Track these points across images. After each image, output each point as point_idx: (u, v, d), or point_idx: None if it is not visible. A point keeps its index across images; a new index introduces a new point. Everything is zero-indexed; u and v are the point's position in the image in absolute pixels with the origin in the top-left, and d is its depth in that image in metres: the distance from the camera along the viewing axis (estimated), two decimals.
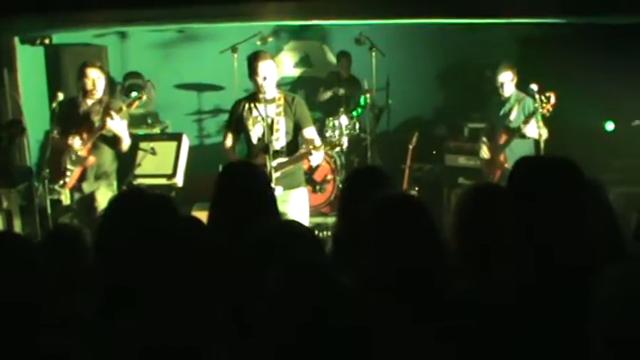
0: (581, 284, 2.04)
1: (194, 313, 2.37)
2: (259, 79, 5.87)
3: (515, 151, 6.87)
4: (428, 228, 2.49)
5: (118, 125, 6.53)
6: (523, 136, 6.96)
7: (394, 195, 2.82)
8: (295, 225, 2.81)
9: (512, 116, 7.14)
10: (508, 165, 6.93)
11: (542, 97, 6.67)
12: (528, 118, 6.82)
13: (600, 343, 1.81)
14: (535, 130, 6.78)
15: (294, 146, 6.14)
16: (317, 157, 5.93)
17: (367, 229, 2.51)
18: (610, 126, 9.17)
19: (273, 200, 3.62)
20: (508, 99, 7.25)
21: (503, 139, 7.21)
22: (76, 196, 6.86)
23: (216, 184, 3.62)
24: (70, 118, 6.74)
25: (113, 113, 6.48)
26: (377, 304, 2.30)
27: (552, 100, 6.68)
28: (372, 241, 2.48)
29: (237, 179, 3.60)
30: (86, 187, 6.79)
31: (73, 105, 6.80)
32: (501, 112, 7.29)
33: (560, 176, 2.52)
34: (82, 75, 6.69)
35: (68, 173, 6.74)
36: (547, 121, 6.83)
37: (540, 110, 6.70)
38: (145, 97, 7.20)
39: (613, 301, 1.81)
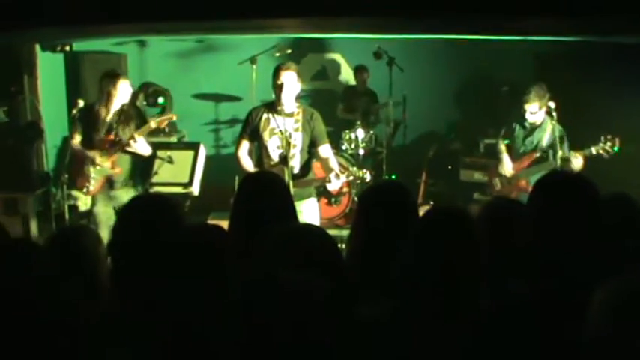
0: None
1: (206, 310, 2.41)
2: (278, 89, 5.88)
3: (532, 178, 6.82)
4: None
5: (141, 147, 6.75)
6: (551, 164, 6.77)
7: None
8: (315, 228, 2.84)
9: (545, 142, 6.99)
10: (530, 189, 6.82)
11: (607, 138, 6.56)
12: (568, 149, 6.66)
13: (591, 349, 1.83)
14: (580, 163, 6.59)
15: (309, 164, 6.11)
16: (335, 184, 5.82)
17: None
18: None
19: (294, 211, 3.64)
20: (539, 126, 7.02)
21: (526, 162, 7.10)
22: (101, 201, 6.85)
23: (238, 192, 3.63)
24: (91, 125, 6.79)
25: (136, 136, 6.62)
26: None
27: (617, 143, 6.56)
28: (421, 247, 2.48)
29: (259, 189, 3.60)
30: (112, 194, 6.83)
31: (93, 112, 6.82)
32: (529, 138, 7.08)
33: (579, 194, 2.56)
34: (110, 84, 6.71)
35: (92, 181, 6.78)
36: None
37: (600, 152, 6.56)
38: (175, 118, 7.34)
39: (605, 310, 1.82)
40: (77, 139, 6.85)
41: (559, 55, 9.33)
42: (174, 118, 7.41)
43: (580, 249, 2.47)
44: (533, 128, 7.06)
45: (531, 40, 8.54)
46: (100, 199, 6.85)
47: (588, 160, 6.62)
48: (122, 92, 6.76)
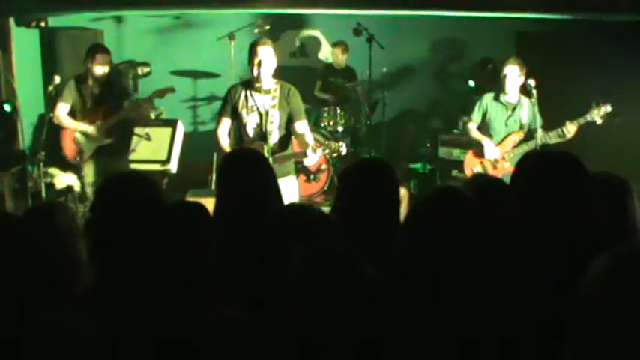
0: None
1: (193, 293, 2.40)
2: (256, 65, 5.84)
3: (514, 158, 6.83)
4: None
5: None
6: (537, 143, 6.75)
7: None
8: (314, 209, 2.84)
9: (525, 120, 6.98)
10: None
11: (598, 103, 6.57)
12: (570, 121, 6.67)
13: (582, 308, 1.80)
14: (574, 131, 6.63)
15: (287, 140, 6.08)
16: (312, 159, 5.82)
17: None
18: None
19: (277, 187, 3.62)
20: (516, 105, 7.01)
21: (511, 145, 7.06)
22: (91, 171, 7.19)
23: (220, 170, 3.61)
24: (81, 96, 7.09)
25: (144, 104, 7.35)
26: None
27: (609, 108, 6.57)
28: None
29: (242, 165, 3.57)
30: (101, 163, 7.16)
31: (82, 84, 7.09)
32: (512, 118, 7.04)
33: (564, 170, 2.55)
34: (93, 59, 6.98)
35: (85, 150, 7.13)
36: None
37: (594, 118, 6.57)
38: (175, 90, 7.69)
39: (599, 271, 1.79)
40: (64, 110, 7.05)
41: (541, 34, 9.33)
42: (175, 90, 7.41)
43: (567, 229, 2.45)
44: (513, 107, 7.03)
45: (513, 17, 8.52)
46: (90, 168, 7.17)
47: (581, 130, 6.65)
48: (105, 65, 7.01)
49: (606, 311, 1.70)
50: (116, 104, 7.12)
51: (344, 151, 5.86)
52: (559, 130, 6.67)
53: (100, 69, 7.00)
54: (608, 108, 6.58)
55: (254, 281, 2.51)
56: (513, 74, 6.90)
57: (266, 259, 2.52)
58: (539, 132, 6.67)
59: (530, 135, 6.93)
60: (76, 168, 8.09)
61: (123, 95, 7.21)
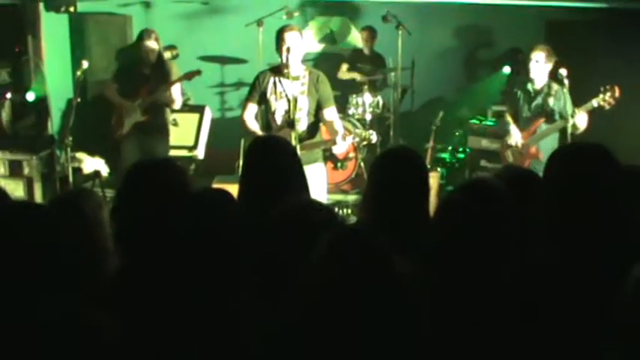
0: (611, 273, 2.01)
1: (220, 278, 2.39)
2: (284, 52, 5.81)
3: (544, 146, 6.78)
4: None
5: (176, 95, 7.29)
6: (558, 125, 6.73)
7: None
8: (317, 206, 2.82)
9: (551, 105, 6.89)
10: (541, 155, 6.76)
11: (606, 88, 6.48)
12: (574, 107, 6.56)
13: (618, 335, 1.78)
14: (585, 120, 6.53)
15: (316, 127, 6.05)
16: (341, 146, 5.78)
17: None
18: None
19: (303, 175, 3.59)
20: (542, 90, 6.93)
21: (533, 128, 6.95)
22: (128, 146, 7.25)
23: (246, 157, 3.59)
24: (130, 75, 7.32)
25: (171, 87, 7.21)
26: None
27: (617, 93, 6.46)
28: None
29: (269, 153, 3.55)
30: (140, 140, 7.22)
31: (132, 63, 7.43)
32: (535, 102, 6.95)
33: (596, 162, 2.51)
34: (143, 39, 7.19)
35: (125, 125, 7.21)
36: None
37: (601, 103, 6.48)
38: (201, 73, 7.58)
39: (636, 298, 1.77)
40: (114, 87, 7.34)
41: (571, 22, 9.21)
42: (201, 73, 7.50)
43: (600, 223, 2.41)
44: (537, 92, 6.96)
45: (543, 5, 8.43)
46: (130, 145, 7.22)
47: (594, 114, 6.55)
48: (152, 46, 7.16)
49: None
50: (160, 85, 7.20)
51: (374, 139, 5.82)
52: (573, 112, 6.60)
53: (150, 48, 7.16)
54: (616, 92, 6.47)
55: (272, 270, 2.49)
56: (540, 60, 6.83)
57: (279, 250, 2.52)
58: (570, 120, 6.58)
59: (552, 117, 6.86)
60: (105, 152, 8.16)
61: (167, 78, 7.24)
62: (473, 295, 2.25)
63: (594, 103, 6.52)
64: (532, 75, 6.91)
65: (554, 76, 6.81)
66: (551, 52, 6.85)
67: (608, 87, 6.50)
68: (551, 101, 6.85)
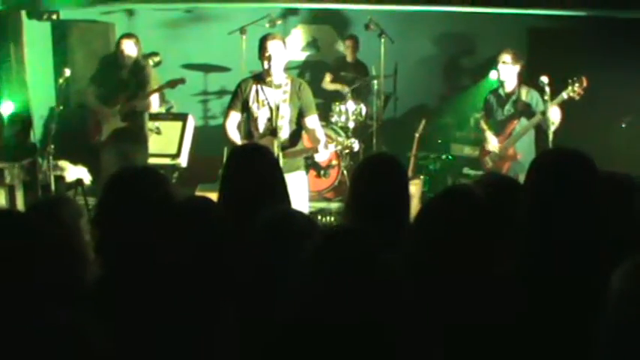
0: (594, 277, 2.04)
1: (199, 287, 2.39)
2: (266, 60, 5.82)
3: (521, 147, 6.85)
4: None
5: (154, 103, 7.43)
6: (532, 122, 6.79)
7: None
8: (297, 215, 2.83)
9: (520, 108, 6.97)
10: (520, 157, 6.83)
11: (573, 79, 6.54)
12: (546, 102, 6.60)
13: (608, 336, 1.80)
14: (558, 113, 6.58)
15: (298, 134, 6.05)
16: (323, 154, 5.80)
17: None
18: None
19: (283, 184, 3.60)
20: (513, 93, 7.01)
21: (508, 131, 7.01)
22: (107, 153, 7.29)
23: (225, 166, 3.58)
24: (108, 81, 7.32)
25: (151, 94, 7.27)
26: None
27: (584, 83, 6.51)
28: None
29: (248, 162, 3.55)
30: (119, 147, 7.25)
31: (110, 68, 7.37)
32: (506, 106, 7.04)
33: (574, 167, 2.54)
34: (121, 44, 7.24)
35: (104, 131, 7.26)
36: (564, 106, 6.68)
37: (571, 94, 6.54)
38: (185, 81, 7.72)
39: (625, 297, 1.79)
40: (91, 92, 7.36)
41: (553, 30, 9.27)
42: (185, 81, 7.57)
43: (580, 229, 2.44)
44: (508, 96, 7.06)
45: (523, 13, 8.48)
46: (109, 153, 7.27)
47: (566, 108, 6.61)
48: (128, 51, 7.20)
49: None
50: (138, 92, 7.24)
51: (356, 147, 5.82)
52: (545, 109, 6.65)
53: (127, 50, 7.19)
54: (584, 83, 6.53)
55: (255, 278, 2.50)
56: (507, 61, 6.96)
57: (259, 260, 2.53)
58: (538, 115, 6.67)
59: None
60: (87, 160, 8.12)
61: (145, 84, 7.27)
62: (448, 302, 2.26)
63: (564, 95, 6.59)
64: (501, 77, 7.03)
65: (522, 80, 6.95)
66: (518, 54, 7.00)
67: (575, 78, 6.56)
68: (520, 105, 6.94)
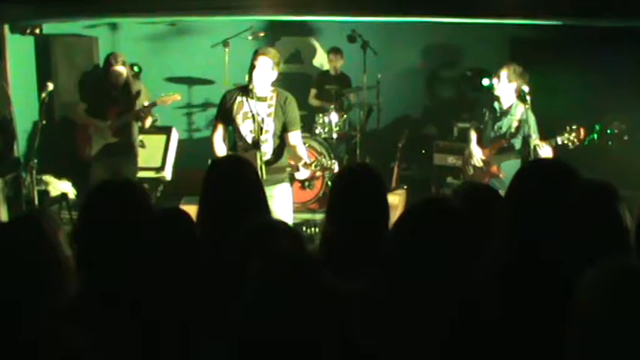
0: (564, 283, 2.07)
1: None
2: (251, 71, 5.83)
3: (505, 167, 6.84)
4: None
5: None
6: (518, 153, 6.78)
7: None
8: (279, 223, 2.85)
9: (514, 127, 6.84)
10: (502, 176, 6.79)
11: (572, 128, 6.51)
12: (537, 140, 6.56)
13: (579, 340, 1.83)
14: (550, 153, 6.51)
15: (282, 148, 6.03)
16: (303, 174, 5.79)
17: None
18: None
19: (263, 196, 3.61)
20: (508, 111, 6.96)
21: (496, 148, 7.00)
22: (98, 167, 7.29)
23: (205, 179, 3.59)
24: (99, 97, 7.38)
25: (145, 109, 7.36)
26: None
27: (582, 135, 6.51)
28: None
29: (227, 175, 3.56)
30: (110, 161, 7.30)
31: (100, 86, 7.44)
32: (499, 123, 7.00)
33: (554, 175, 2.58)
34: (109, 67, 7.27)
35: (94, 145, 7.31)
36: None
37: (565, 142, 6.50)
38: (179, 98, 7.91)
39: (597, 292, 1.82)
40: (82, 108, 7.43)
41: (535, 40, 9.34)
42: (179, 98, 7.68)
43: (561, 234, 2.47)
44: (503, 113, 6.99)
45: (507, 23, 8.53)
46: (99, 167, 7.27)
47: (558, 149, 6.57)
48: (119, 74, 7.27)
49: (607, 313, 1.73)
50: (128, 106, 7.30)
51: (336, 168, 5.79)
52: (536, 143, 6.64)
53: (119, 72, 7.25)
54: (581, 134, 6.53)
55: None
56: (502, 78, 6.90)
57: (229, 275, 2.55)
58: (533, 137, 6.64)
59: (512, 145, 6.91)
60: (71, 174, 8.11)
61: (134, 99, 7.36)
62: (423, 309, 2.28)
63: (558, 140, 6.54)
64: (497, 93, 6.99)
65: (519, 94, 6.88)
66: (517, 71, 6.85)
67: (574, 127, 6.54)
68: (515, 124, 6.89)
